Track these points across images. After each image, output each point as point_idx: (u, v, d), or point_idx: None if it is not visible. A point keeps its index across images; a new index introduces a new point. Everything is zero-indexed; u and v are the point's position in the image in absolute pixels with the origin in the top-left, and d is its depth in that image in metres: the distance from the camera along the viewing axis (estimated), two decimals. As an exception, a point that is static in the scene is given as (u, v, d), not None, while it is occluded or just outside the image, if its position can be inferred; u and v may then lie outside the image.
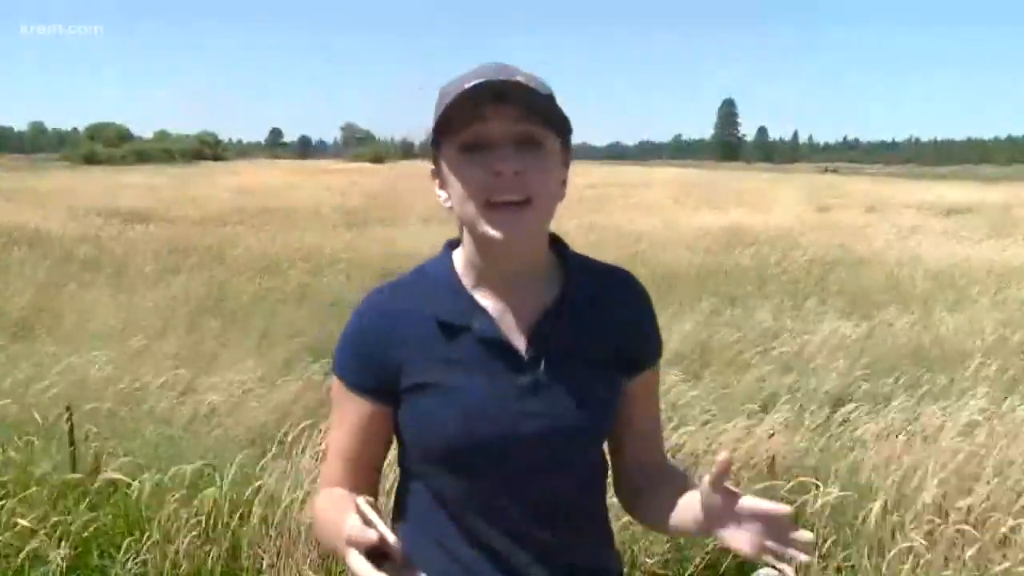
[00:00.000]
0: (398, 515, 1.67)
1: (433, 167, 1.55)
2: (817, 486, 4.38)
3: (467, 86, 1.40)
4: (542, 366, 1.51)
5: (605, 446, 1.68)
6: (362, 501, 1.27)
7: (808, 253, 14.67)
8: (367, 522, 1.25)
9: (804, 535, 1.30)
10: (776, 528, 1.31)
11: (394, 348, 1.53)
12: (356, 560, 1.22)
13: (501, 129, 1.43)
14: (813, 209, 25.95)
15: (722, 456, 1.33)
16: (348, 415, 1.60)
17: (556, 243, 1.63)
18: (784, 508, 1.31)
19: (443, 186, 1.53)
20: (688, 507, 1.47)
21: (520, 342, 1.52)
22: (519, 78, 1.42)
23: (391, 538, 1.23)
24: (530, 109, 1.43)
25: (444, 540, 1.56)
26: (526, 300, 1.55)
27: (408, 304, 1.56)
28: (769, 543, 1.32)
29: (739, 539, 1.35)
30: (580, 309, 1.56)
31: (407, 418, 1.56)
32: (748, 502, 1.32)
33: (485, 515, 1.54)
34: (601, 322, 1.58)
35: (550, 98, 1.46)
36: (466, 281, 1.56)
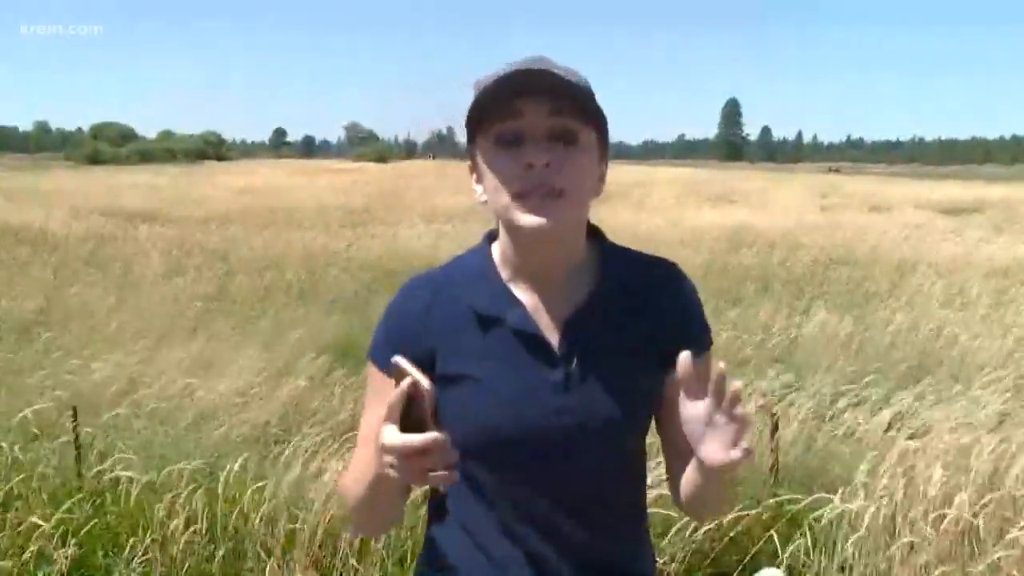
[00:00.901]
0: (431, 508, 1.66)
1: (470, 163, 1.54)
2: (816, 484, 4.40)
3: (498, 76, 1.40)
4: (575, 361, 1.50)
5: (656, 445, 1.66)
6: (400, 357, 1.28)
7: (811, 253, 14.66)
8: (401, 374, 1.26)
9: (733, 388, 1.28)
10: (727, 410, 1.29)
11: (428, 336, 1.53)
12: (389, 434, 1.25)
13: (534, 122, 1.41)
14: (816, 209, 25.94)
15: (683, 355, 1.29)
16: (380, 400, 1.52)
17: (595, 235, 1.60)
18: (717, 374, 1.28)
19: (479, 180, 1.52)
20: (692, 465, 1.46)
21: (554, 336, 1.51)
22: (553, 70, 1.40)
23: (425, 383, 1.24)
24: (564, 102, 1.42)
25: (476, 533, 1.55)
26: (562, 294, 1.53)
27: (444, 293, 1.55)
28: (730, 448, 1.29)
29: (712, 450, 1.31)
30: (616, 301, 1.54)
31: (440, 408, 1.55)
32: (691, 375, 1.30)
33: (515, 509, 1.53)
34: (638, 313, 1.55)
35: (586, 91, 1.45)
36: (503, 273, 1.55)
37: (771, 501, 4.43)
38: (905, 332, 8.59)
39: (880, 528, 4.13)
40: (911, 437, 5.23)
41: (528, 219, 1.42)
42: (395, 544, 4.11)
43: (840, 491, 4.32)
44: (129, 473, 4.56)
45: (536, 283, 1.53)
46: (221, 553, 4.13)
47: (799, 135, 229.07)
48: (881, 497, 4.30)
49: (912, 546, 3.95)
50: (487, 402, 1.49)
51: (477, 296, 1.53)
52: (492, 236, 1.60)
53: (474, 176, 1.54)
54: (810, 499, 4.28)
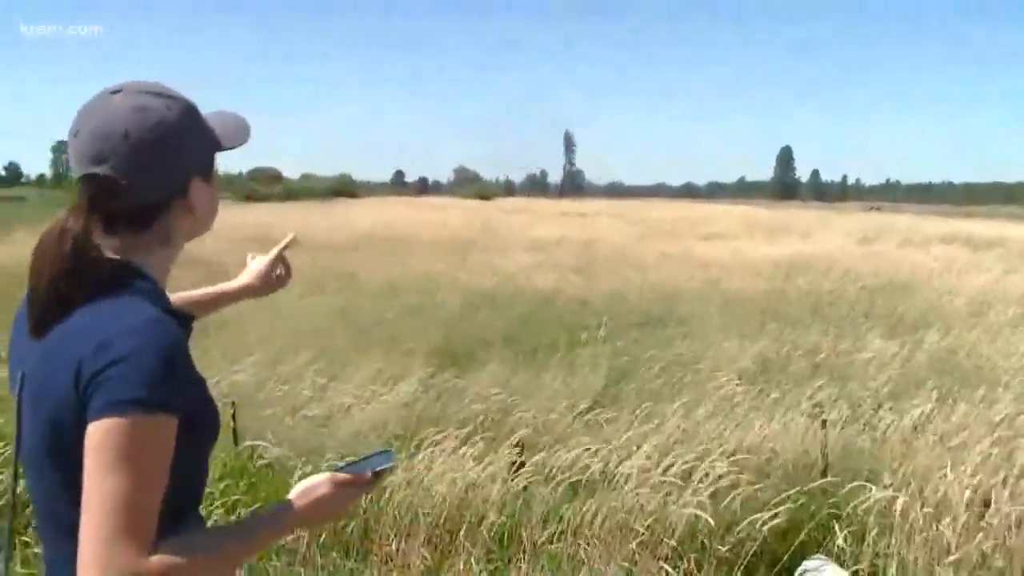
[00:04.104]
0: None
1: (196, 183, 1.47)
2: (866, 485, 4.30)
3: (244, 138, 1.55)
4: None
5: None
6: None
7: (859, 281, 14.39)
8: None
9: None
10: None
11: (193, 370, 1.35)
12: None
13: None
14: (862, 242, 25.39)
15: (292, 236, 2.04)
16: (168, 451, 1.23)
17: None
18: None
19: (200, 199, 1.49)
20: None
21: None
22: None
23: None
24: None
25: None
26: None
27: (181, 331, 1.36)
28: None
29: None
30: None
31: (203, 438, 1.41)
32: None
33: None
34: None
35: None
36: None
37: (821, 498, 4.35)
38: (941, 351, 8.38)
39: (925, 520, 4.01)
40: (947, 441, 5.09)
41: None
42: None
43: (882, 484, 4.23)
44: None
45: None
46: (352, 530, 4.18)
47: (844, 178, 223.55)
48: (921, 491, 4.20)
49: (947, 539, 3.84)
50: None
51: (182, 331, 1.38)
52: (139, 271, 1.40)
53: (200, 195, 1.48)
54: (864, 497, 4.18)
